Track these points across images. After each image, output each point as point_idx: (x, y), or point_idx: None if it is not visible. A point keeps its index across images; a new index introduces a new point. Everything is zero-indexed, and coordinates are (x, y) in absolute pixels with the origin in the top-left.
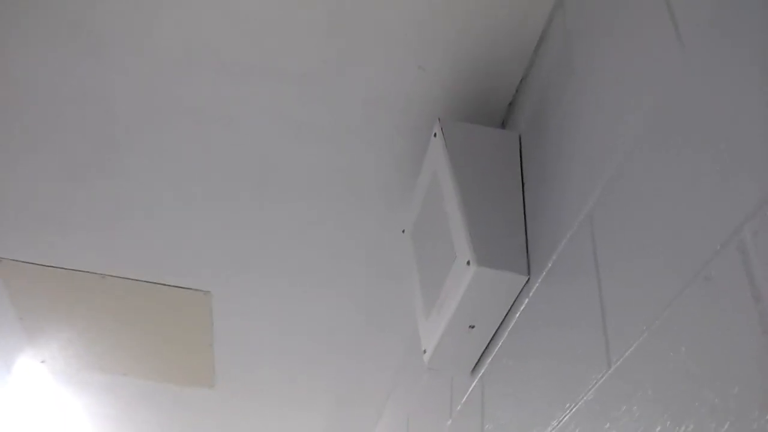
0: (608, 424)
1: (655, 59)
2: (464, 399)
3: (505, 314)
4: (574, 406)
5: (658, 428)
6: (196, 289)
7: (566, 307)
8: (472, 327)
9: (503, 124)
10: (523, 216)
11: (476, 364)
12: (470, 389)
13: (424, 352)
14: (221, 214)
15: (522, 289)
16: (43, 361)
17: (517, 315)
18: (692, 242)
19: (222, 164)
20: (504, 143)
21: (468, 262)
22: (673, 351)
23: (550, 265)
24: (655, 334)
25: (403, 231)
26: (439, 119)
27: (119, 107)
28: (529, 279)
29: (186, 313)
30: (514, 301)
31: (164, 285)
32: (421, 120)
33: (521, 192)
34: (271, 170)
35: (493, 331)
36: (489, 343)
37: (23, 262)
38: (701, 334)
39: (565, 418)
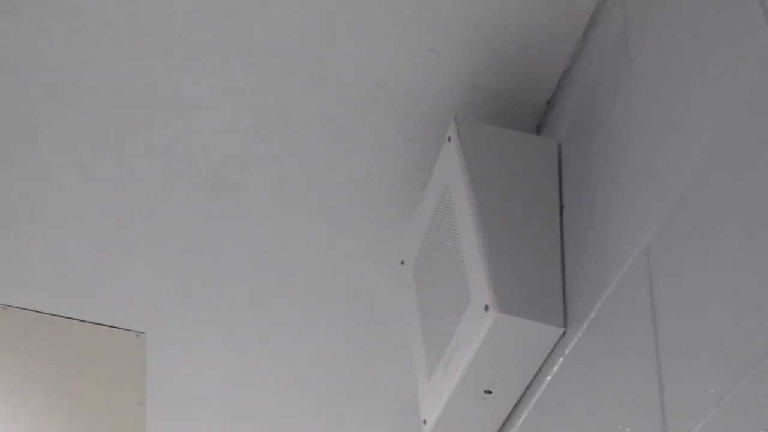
0: None
1: (740, 49)
2: None
3: (532, 377)
4: None
5: None
6: (126, 329)
7: (613, 371)
8: (489, 392)
9: (538, 129)
10: (560, 249)
11: None
12: None
13: (424, 422)
14: (163, 229)
15: (556, 345)
16: None
17: (548, 379)
18: None
19: (168, 163)
20: (538, 153)
21: (486, 307)
22: None
23: (593, 314)
24: (727, 411)
25: (403, 262)
26: (455, 119)
27: (35, 82)
28: (565, 332)
29: (112, 360)
30: (545, 360)
31: (84, 322)
32: (432, 118)
33: (559, 217)
34: (232, 174)
35: (517, 399)
36: (510, 415)
37: None
38: None
39: None
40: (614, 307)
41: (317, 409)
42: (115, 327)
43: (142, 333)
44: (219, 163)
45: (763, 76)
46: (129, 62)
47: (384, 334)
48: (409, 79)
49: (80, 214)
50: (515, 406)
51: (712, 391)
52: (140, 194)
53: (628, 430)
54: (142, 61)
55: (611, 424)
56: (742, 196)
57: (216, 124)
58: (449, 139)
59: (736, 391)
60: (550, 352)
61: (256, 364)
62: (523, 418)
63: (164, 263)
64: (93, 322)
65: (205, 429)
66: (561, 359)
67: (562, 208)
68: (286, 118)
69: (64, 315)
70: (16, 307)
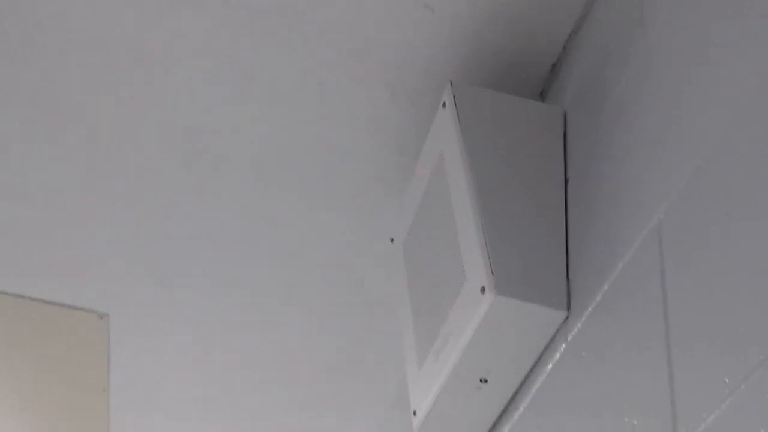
0: None
1: (763, 12)
2: None
3: (531, 365)
4: None
5: None
6: (88, 310)
7: (620, 359)
8: (485, 381)
9: (542, 95)
10: (564, 226)
11: None
12: None
13: (414, 414)
14: (129, 201)
15: (558, 331)
16: None
17: (549, 367)
18: None
19: (135, 129)
20: (542, 121)
21: (482, 289)
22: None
23: (598, 298)
24: (742, 402)
25: (392, 240)
26: (451, 83)
27: None
28: (568, 316)
29: (72, 344)
30: (546, 346)
31: (41, 301)
32: (426, 82)
33: (563, 191)
34: (206, 142)
35: (514, 389)
36: (507, 406)
37: None
38: None
39: None
40: (622, 289)
41: (298, 398)
42: (75, 307)
43: (106, 314)
44: (191, 130)
45: None
46: (94, 15)
47: (372, 318)
48: (400, 39)
49: (37, 184)
50: (513, 397)
51: (726, 380)
52: (105, 163)
53: (635, 422)
54: (109, 15)
55: (617, 416)
56: (763, 170)
57: (189, 86)
58: (444, 105)
59: (752, 381)
60: (552, 338)
61: (231, 350)
62: (521, 409)
63: (130, 238)
64: (51, 302)
65: (174, 419)
66: (563, 346)
67: (566, 181)
68: (265, 79)
69: (17, 293)
70: None
